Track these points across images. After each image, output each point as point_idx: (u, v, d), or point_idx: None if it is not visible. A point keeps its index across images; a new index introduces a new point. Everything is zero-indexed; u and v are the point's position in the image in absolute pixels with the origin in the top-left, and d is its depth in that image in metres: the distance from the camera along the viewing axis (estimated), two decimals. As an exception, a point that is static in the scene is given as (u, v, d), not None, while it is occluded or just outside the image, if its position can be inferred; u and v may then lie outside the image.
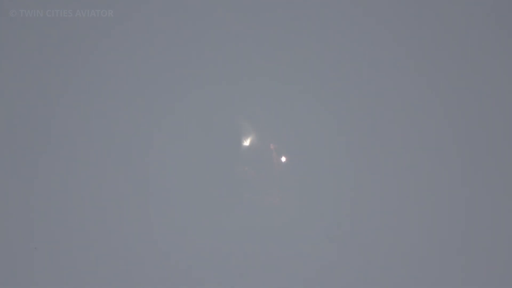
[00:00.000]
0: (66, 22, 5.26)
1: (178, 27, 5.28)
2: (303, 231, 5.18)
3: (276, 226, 5.19)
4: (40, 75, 5.24)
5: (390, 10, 5.28)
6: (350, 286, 5.11)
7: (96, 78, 5.25)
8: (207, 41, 5.27)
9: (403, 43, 5.27)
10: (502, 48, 5.25)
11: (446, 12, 5.29)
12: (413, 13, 5.28)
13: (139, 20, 5.27)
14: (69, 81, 5.24)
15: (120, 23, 5.26)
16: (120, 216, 5.16)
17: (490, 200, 5.17)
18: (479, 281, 5.11)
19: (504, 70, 5.25)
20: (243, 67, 5.26)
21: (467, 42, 5.28)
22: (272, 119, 5.25)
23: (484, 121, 5.24)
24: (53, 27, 5.26)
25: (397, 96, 5.25)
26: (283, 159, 5.15)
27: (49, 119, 5.21)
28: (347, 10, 5.27)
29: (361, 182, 5.18)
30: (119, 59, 5.26)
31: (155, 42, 5.27)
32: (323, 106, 5.23)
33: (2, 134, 5.19)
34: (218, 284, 5.11)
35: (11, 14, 5.23)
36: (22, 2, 5.24)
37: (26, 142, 5.19)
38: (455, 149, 5.22)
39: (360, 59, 5.27)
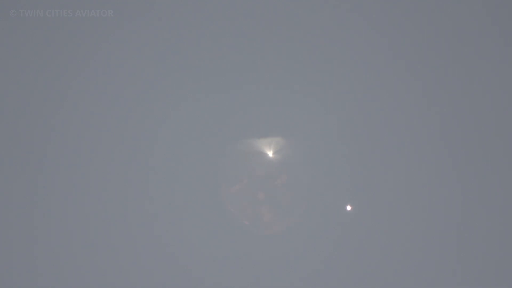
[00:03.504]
0: (66, 22, 5.26)
1: (178, 27, 5.29)
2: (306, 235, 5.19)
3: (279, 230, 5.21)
4: (41, 74, 5.24)
5: (390, 12, 5.29)
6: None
7: (96, 78, 5.25)
8: (208, 41, 5.27)
9: (403, 46, 5.29)
10: (501, 49, 5.27)
11: (445, 14, 5.30)
12: (414, 16, 5.30)
13: (139, 20, 5.27)
14: (69, 81, 5.25)
15: (120, 23, 5.26)
16: (118, 217, 5.17)
17: (487, 201, 5.18)
18: (478, 281, 5.12)
19: (502, 71, 5.26)
20: (243, 67, 5.27)
21: (466, 45, 5.29)
22: (271, 127, 5.26)
23: (483, 122, 5.25)
24: (53, 27, 5.26)
25: (398, 99, 5.26)
26: (348, 207, 5.18)
27: (49, 119, 5.22)
28: (347, 14, 5.29)
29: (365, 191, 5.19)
30: (119, 58, 5.26)
31: (155, 42, 5.27)
32: (323, 113, 5.25)
33: (3, 133, 5.19)
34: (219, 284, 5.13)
35: (11, 14, 5.23)
36: (22, 2, 5.24)
37: (25, 142, 5.20)
38: (454, 150, 5.23)
39: (360, 62, 5.29)
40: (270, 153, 5.23)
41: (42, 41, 5.26)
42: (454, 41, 5.30)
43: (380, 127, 5.25)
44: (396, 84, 5.30)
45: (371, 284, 5.14)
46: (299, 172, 5.25)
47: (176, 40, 5.28)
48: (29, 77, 5.25)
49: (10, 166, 5.18)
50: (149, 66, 5.28)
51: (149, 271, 5.13)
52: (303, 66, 5.29)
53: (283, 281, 5.15)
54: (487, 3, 5.28)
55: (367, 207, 5.20)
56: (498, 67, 5.27)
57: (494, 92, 5.27)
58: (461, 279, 5.12)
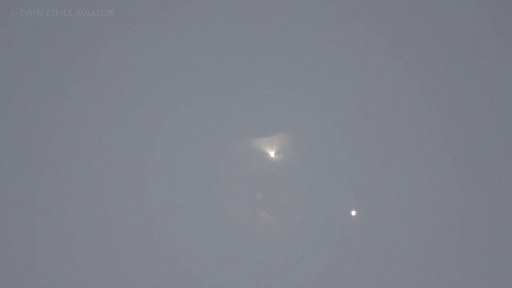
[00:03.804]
0: (66, 22, 5.27)
1: (178, 27, 5.29)
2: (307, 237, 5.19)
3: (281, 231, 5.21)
4: (41, 74, 5.25)
5: (392, 12, 5.29)
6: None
7: (96, 78, 5.25)
8: (208, 41, 5.28)
9: (405, 47, 5.29)
10: (501, 49, 5.27)
11: (446, 14, 5.31)
12: (415, 15, 5.30)
13: (139, 20, 5.28)
14: (69, 81, 5.25)
15: (120, 23, 5.27)
16: (119, 218, 5.17)
17: (488, 202, 5.17)
18: (478, 282, 5.11)
19: (502, 71, 5.26)
20: (243, 68, 5.27)
21: (466, 45, 5.29)
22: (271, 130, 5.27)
23: (485, 123, 5.24)
24: (53, 27, 5.26)
25: (400, 100, 5.26)
26: (353, 212, 5.17)
27: (49, 119, 5.22)
28: (350, 13, 5.29)
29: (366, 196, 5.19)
30: (119, 58, 5.26)
31: (155, 42, 5.28)
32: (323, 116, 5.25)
33: (3, 133, 5.20)
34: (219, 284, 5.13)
35: (11, 14, 5.24)
36: (22, 2, 5.25)
37: (26, 142, 5.20)
38: (454, 151, 5.23)
39: (364, 63, 5.29)
40: (271, 153, 5.23)
41: (42, 41, 5.27)
42: (454, 41, 5.30)
43: (383, 128, 5.25)
44: (399, 85, 5.29)
45: (372, 285, 5.13)
46: (300, 172, 5.25)
47: (177, 40, 5.29)
48: (29, 77, 5.26)
49: (11, 166, 5.18)
50: (149, 66, 5.28)
51: (148, 271, 5.13)
52: (304, 66, 5.29)
53: (283, 281, 5.15)
54: (488, 3, 5.27)
55: (369, 207, 5.20)
56: (498, 68, 5.27)
57: (495, 92, 5.27)
58: (463, 281, 5.12)
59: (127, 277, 5.12)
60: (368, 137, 5.24)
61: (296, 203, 5.23)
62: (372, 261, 5.14)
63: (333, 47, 5.30)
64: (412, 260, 5.13)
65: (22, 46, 5.26)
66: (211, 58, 5.26)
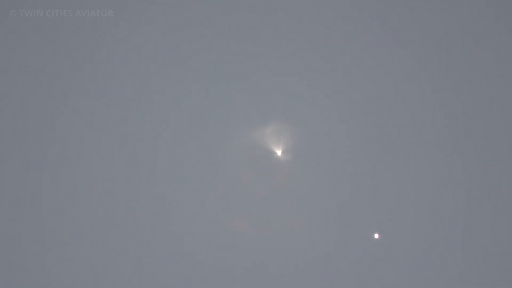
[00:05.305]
0: (66, 22, 5.27)
1: (177, 26, 5.30)
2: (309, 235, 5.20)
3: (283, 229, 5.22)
4: (41, 74, 5.25)
5: (393, 13, 5.30)
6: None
7: (96, 77, 5.26)
8: (208, 41, 5.28)
9: (406, 46, 5.30)
10: (502, 48, 5.27)
11: (447, 13, 5.31)
12: (417, 15, 5.31)
13: (139, 20, 5.29)
14: (69, 80, 5.26)
15: (120, 23, 5.28)
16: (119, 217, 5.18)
17: (489, 200, 5.18)
18: (478, 281, 5.11)
19: (504, 70, 5.26)
20: (245, 67, 5.28)
21: (468, 44, 5.30)
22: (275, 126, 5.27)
23: (485, 122, 5.25)
24: (53, 27, 5.27)
25: (401, 99, 5.27)
26: (376, 235, 5.18)
27: (49, 117, 5.23)
28: (351, 13, 5.30)
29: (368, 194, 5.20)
30: (119, 58, 5.27)
31: (155, 42, 5.29)
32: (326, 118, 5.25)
33: (3, 133, 5.21)
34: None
35: (11, 14, 5.25)
36: (22, 2, 5.26)
37: (25, 141, 5.21)
38: (456, 151, 5.23)
39: (363, 61, 5.30)
40: (277, 152, 5.24)
41: (42, 41, 5.28)
42: (459, 42, 5.31)
43: (387, 128, 5.26)
44: (406, 86, 5.31)
45: (372, 284, 5.14)
46: (303, 171, 5.26)
47: (175, 39, 5.30)
48: (29, 77, 5.27)
49: (11, 165, 5.19)
50: (148, 64, 5.29)
51: (147, 269, 5.14)
52: (309, 66, 5.31)
53: (284, 281, 5.16)
54: (490, 3, 5.29)
55: (370, 208, 5.20)
56: (504, 70, 5.28)
57: (498, 94, 5.28)
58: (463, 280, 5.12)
59: (126, 277, 5.13)
60: (371, 136, 5.25)
61: (298, 202, 5.24)
62: (374, 261, 5.15)
63: (338, 47, 5.31)
64: (414, 259, 5.14)
65: (22, 46, 5.27)
66: (211, 57, 5.27)
